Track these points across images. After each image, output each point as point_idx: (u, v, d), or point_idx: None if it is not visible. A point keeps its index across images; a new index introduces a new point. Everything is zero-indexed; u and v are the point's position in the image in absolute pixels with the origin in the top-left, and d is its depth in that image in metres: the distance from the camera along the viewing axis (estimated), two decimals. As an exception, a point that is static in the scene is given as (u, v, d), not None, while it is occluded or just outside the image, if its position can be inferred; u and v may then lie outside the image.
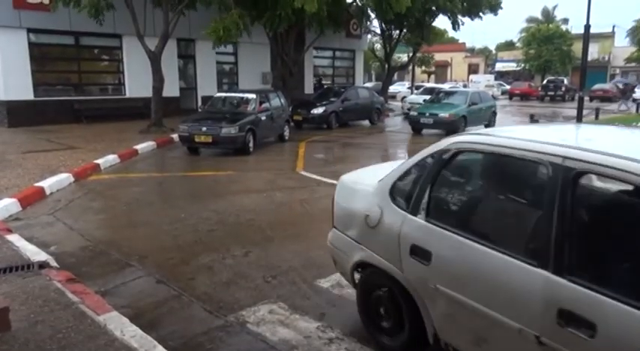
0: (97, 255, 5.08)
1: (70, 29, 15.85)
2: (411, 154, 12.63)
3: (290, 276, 4.56)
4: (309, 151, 12.29)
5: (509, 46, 63.47)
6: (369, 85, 37.58)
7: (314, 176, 9.03)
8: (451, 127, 14.84)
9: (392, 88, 35.86)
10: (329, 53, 26.00)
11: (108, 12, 14.38)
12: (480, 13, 22.15)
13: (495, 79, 46.81)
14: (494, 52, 68.57)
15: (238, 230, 5.90)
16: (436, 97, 16.98)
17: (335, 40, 23.67)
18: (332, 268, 4.64)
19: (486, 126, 16.60)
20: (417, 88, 32.65)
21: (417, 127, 15.48)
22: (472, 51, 68.51)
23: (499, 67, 58.71)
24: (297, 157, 11.38)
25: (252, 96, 12.42)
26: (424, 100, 18.60)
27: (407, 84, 40.81)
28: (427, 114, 15.06)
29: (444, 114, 14.86)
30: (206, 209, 6.72)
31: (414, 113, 15.66)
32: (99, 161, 9.60)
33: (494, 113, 16.99)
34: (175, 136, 12.70)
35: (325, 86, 23.26)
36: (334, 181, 8.77)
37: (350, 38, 25.30)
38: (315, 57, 24.74)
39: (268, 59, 21.67)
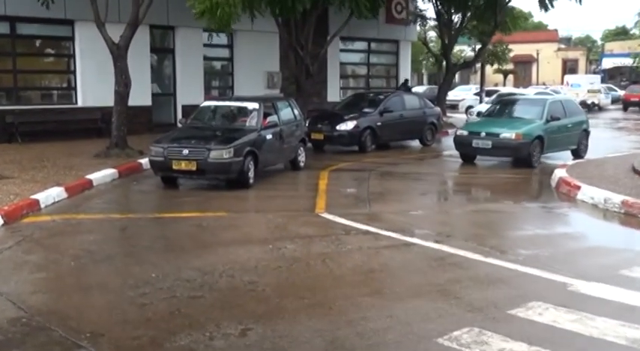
0: (34, 331, 5.11)
1: (4, 13, 16.46)
2: (475, 189, 12.62)
3: (307, 366, 4.52)
4: (333, 183, 12.32)
5: (621, 34, 63.44)
6: (419, 89, 37.90)
7: (340, 220, 9.01)
8: (519, 154, 14.25)
9: (452, 95, 36.09)
10: (362, 45, 26.38)
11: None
12: None
13: (602, 81, 46.63)
14: (599, 42, 68.58)
15: (233, 298, 5.90)
16: (497, 107, 16.43)
17: (371, 27, 24.05)
18: (368, 356, 4.58)
19: (574, 152, 15.97)
20: (489, 94, 32.66)
21: (467, 152, 15.09)
22: (568, 41, 68.74)
23: (607, 63, 58.58)
24: (317, 192, 11.40)
25: (254, 106, 12.61)
26: (478, 114, 17.90)
27: (474, 88, 40.88)
28: (483, 134, 14.51)
29: (508, 133, 14.23)
30: (187, 266, 6.75)
31: (462, 132, 15.16)
32: (38, 196, 9.77)
33: (586, 133, 16.29)
34: (145, 161, 12.91)
35: (410, 88, 23.47)
36: (370, 228, 8.89)
37: (392, 24, 25.70)
38: (343, 51, 25.14)
39: (277, 54, 22.09)
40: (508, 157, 14.80)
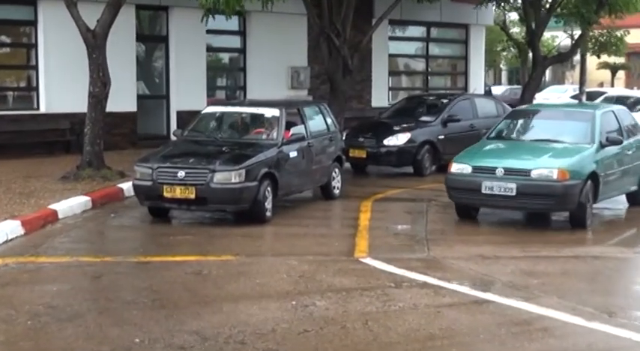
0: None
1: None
2: (570, 225, 12.39)
3: None
4: (379, 217, 12.29)
5: None
6: (495, 91, 37.67)
7: (388, 268, 8.98)
8: (565, 205, 11.70)
9: (541, 97, 35.80)
10: (418, 31, 26.42)
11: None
12: None
13: None
14: None
15: (242, 372, 5.89)
16: (512, 124, 13.87)
17: (431, 8, 24.06)
18: None
19: (631, 197, 13.77)
20: (591, 96, 32.38)
21: (472, 202, 12.32)
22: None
23: None
24: (357, 229, 11.37)
25: (273, 113, 12.67)
26: (485, 136, 13.98)
27: (570, 89, 40.57)
28: (500, 170, 11.64)
29: (546, 169, 11.61)
30: (182, 329, 6.75)
31: (462, 168, 12.12)
32: (-14, 232, 9.90)
33: None
34: (128, 186, 13.01)
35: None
36: (428, 279, 8.80)
37: (459, 3, 25.69)
38: (393, 39, 25.21)
39: (304, 44, 22.22)
40: (546, 210, 12.30)
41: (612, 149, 12.61)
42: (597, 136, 12.37)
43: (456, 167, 12.15)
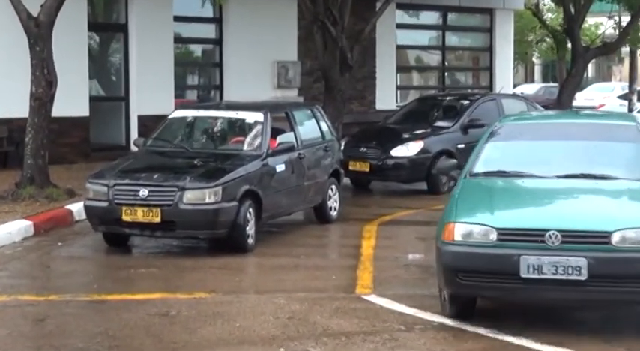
0: None
1: None
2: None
3: None
4: (385, 245, 12.33)
5: None
6: (527, 89, 37.62)
7: (398, 307, 8.99)
8: None
9: (582, 97, 35.87)
10: (433, 18, 26.50)
11: None
12: None
13: None
14: None
15: None
16: (507, 145, 10.18)
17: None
18: None
19: None
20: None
21: (494, 292, 8.39)
22: None
23: None
24: (359, 259, 11.38)
25: (256, 118, 12.71)
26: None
27: (618, 87, 40.67)
28: (553, 235, 7.87)
29: (636, 231, 7.95)
30: (144, 383, 6.75)
31: (478, 230, 8.14)
32: None
33: None
34: (78, 207, 13.06)
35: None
36: (446, 320, 8.75)
37: (482, -17, 25.83)
38: (402, 27, 25.25)
39: (294, 34, 22.26)
40: (633, 301, 8.34)
41: None
42: None
43: (463, 230, 8.24)
